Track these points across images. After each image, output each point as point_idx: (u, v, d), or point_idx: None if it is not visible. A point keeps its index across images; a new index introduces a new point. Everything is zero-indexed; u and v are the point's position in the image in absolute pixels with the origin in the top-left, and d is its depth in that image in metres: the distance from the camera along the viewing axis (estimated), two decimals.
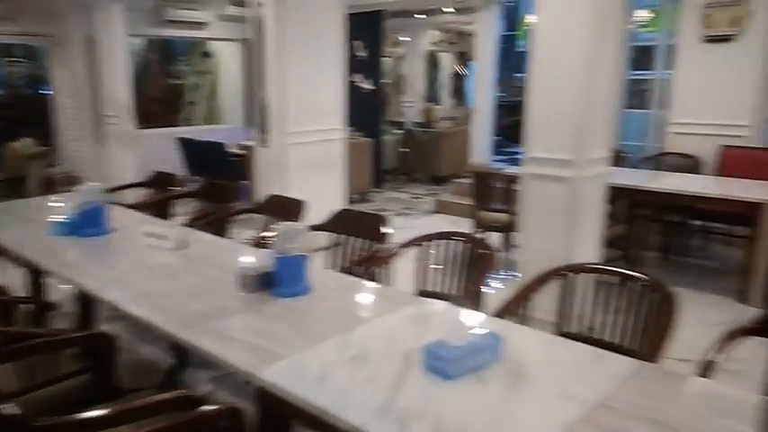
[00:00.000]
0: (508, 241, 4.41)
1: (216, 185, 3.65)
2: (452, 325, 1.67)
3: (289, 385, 1.38)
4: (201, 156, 6.53)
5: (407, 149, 8.64)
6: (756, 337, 1.76)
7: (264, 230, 2.93)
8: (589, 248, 3.22)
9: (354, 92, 7.22)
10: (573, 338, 1.93)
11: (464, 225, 4.39)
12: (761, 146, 4.90)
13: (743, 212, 3.80)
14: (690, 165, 5.02)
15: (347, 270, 2.53)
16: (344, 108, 4.78)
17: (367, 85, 7.63)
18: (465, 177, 6.33)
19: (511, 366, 1.48)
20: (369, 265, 2.45)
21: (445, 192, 7.02)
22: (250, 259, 1.97)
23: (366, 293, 2.05)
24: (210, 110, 9.26)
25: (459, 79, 11.01)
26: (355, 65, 7.34)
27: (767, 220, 3.66)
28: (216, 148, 6.27)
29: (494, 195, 4.37)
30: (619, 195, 4.28)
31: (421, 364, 1.46)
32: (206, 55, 9.11)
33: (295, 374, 1.44)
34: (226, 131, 7.79)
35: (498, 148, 8.26)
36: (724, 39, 4.90)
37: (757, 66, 4.82)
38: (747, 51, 4.82)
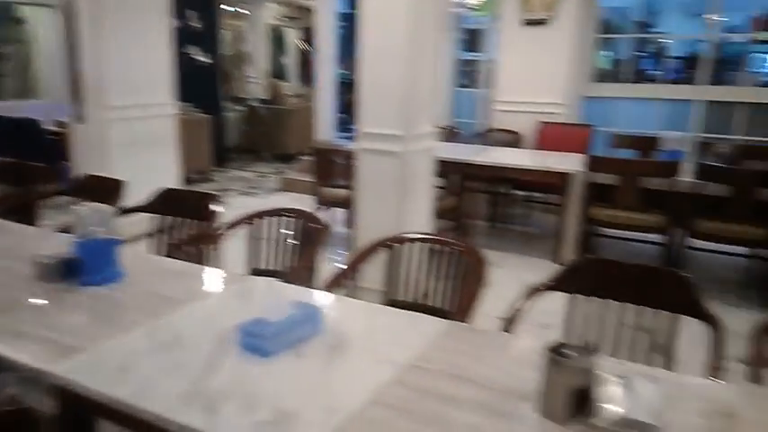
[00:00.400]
0: (351, 217, 4.47)
1: (20, 166, 3.24)
2: (273, 302, 1.64)
3: (86, 380, 1.27)
4: (11, 134, 5.77)
5: (252, 127, 8.39)
6: (558, 292, 1.94)
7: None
8: (421, 220, 3.36)
9: (190, 65, 6.83)
10: (400, 306, 2.00)
11: (308, 202, 4.37)
12: (572, 122, 5.45)
13: (556, 182, 4.21)
14: (513, 140, 5.44)
15: (171, 253, 2.39)
16: (175, 81, 4.49)
17: (204, 59, 7.25)
18: (310, 155, 6.30)
19: (331, 338, 1.49)
20: (195, 246, 2.33)
21: (291, 169, 6.94)
22: (51, 246, 1.77)
23: (186, 276, 1.94)
24: (24, 83, 8.21)
25: (305, 55, 10.87)
26: (190, 36, 6.93)
27: (575, 188, 4.09)
28: (28, 126, 5.58)
29: (335, 171, 4.39)
30: (451, 169, 4.52)
31: (237, 343, 1.41)
32: (17, 21, 8.03)
33: (94, 368, 1.32)
34: (42, 107, 6.96)
35: (344, 125, 8.32)
36: (540, 22, 5.34)
37: (567, 48, 5.33)
38: (559, 34, 5.30)
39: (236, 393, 1.23)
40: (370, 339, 1.53)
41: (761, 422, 1.19)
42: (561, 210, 4.22)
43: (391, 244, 2.15)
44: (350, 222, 4.49)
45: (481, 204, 5.17)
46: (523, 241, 4.88)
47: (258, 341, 1.37)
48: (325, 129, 6.80)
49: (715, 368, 1.55)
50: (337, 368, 1.37)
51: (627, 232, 4.06)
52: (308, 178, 5.61)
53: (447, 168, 4.45)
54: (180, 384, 1.25)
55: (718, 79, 5.60)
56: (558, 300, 1.87)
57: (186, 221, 2.54)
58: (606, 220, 3.94)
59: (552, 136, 5.22)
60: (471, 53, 6.99)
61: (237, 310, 1.65)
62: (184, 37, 6.75)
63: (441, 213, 4.16)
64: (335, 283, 2.01)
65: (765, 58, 7.45)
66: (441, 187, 4.62)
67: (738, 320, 2.97)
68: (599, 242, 4.36)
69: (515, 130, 5.49)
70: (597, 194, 3.98)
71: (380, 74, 3.02)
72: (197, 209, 2.49)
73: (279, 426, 1.13)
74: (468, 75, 6.99)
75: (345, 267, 2.04)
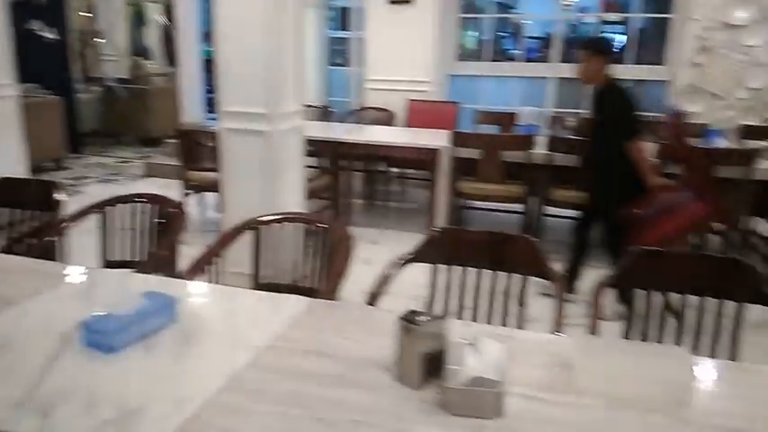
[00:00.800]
0: (221, 200, 4.31)
1: None
2: (123, 294, 1.54)
3: None
4: None
5: (110, 109, 7.79)
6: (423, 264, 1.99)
7: None
8: (293, 200, 3.31)
9: (34, 42, 6.19)
10: (269, 288, 1.97)
11: (176, 187, 4.17)
12: (440, 99, 5.62)
13: (426, 158, 4.33)
14: (385, 118, 5.52)
15: (10, 248, 2.17)
16: (15, 60, 4.03)
17: (50, 35, 6.59)
18: (175, 137, 5.98)
19: (186, 327, 1.42)
20: (37, 239, 2.13)
21: (157, 154, 6.55)
22: None
23: (25, 273, 1.76)
24: None
25: (169, 32, 10.21)
26: (32, 10, 6.27)
27: (443, 164, 4.24)
28: None
29: (202, 154, 4.21)
30: (325, 148, 4.50)
31: (79, 341, 1.31)
32: None
33: None
34: None
35: (213, 106, 7.95)
36: (405, 0, 5.41)
37: (432, 27, 5.46)
38: (424, 13, 5.42)
39: (77, 394, 1.14)
40: (228, 325, 1.48)
41: (595, 370, 1.30)
42: (432, 185, 4.36)
43: (256, 226, 2.10)
44: (221, 206, 4.34)
45: (357, 183, 5.20)
46: (399, 217, 4.99)
47: (101, 337, 1.28)
48: (191, 109, 6.48)
49: (559, 323, 1.67)
50: (191, 357, 1.31)
51: (492, 203, 4.28)
52: (176, 162, 5.34)
53: (321, 148, 4.43)
54: (10, 390, 1.14)
55: (570, 58, 6.03)
56: (436, 272, 1.91)
57: (27, 213, 2.31)
58: (472, 192, 4.13)
59: (421, 113, 5.36)
60: (343, 31, 6.96)
61: (83, 306, 1.53)
62: (26, 11, 6.09)
63: (315, 193, 4.14)
64: (197, 270, 1.92)
65: (613, 38, 8.10)
66: (315, 167, 4.59)
67: (584, 279, 3.26)
68: (468, 214, 4.57)
69: (387, 108, 5.57)
70: (463, 169, 4.15)
71: (240, 49, 2.91)
72: (38, 199, 2.26)
73: (122, 424, 1.06)
74: (340, 53, 6.96)
75: (206, 252, 1.96)
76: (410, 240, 1.94)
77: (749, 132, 4.59)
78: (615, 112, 3.14)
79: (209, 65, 6.80)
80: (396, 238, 4.22)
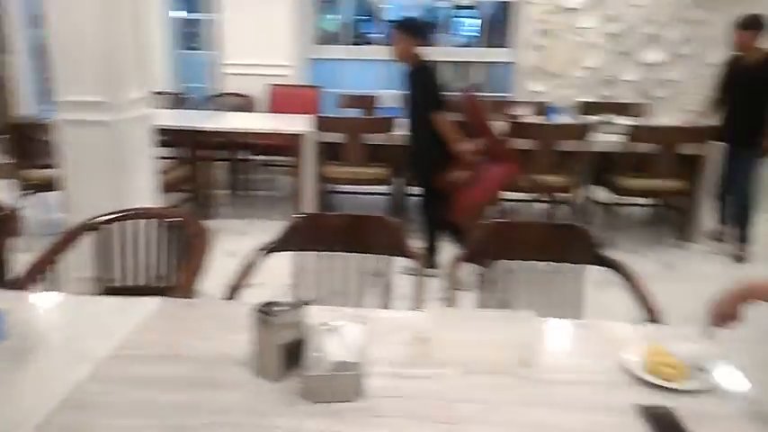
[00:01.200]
0: (64, 200, 3.94)
1: None
2: None
3: None
4: None
5: None
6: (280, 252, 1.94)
7: None
8: (145, 195, 3.09)
9: None
10: (119, 291, 1.82)
11: (10, 188, 3.74)
12: (301, 84, 5.54)
13: (290, 144, 4.25)
14: (245, 104, 5.33)
15: None
16: None
17: None
18: (5, 132, 5.34)
19: (18, 343, 1.28)
20: None
21: None
22: None
23: None
24: None
25: None
26: None
27: (307, 149, 4.19)
28: None
29: (39, 150, 3.80)
30: (180, 138, 4.27)
31: None
32: None
33: None
34: None
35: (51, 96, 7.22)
36: None
37: (290, 9, 5.35)
38: None
39: None
40: (68, 336, 1.34)
41: (450, 341, 1.35)
42: (297, 171, 4.29)
43: (96, 226, 1.93)
44: (65, 206, 3.96)
45: (220, 173, 5.00)
46: (267, 206, 4.87)
47: None
48: (24, 101, 5.83)
49: (419, 299, 1.72)
50: (23, 377, 1.17)
51: (359, 186, 4.32)
52: (7, 160, 4.78)
53: (176, 137, 4.19)
54: None
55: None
56: (301, 259, 1.87)
57: None
58: (338, 176, 4.13)
59: (283, 98, 5.24)
60: (194, 13, 6.58)
61: None
62: None
63: (172, 185, 3.92)
64: (31, 278, 1.73)
65: (464, 22, 8.44)
66: (171, 158, 4.33)
67: (446, 253, 3.39)
68: (336, 199, 4.57)
69: (246, 94, 5.38)
70: (328, 153, 4.14)
71: (73, 32, 2.64)
72: None
73: None
74: (191, 36, 6.59)
75: (39, 259, 1.76)
76: (279, 229, 1.89)
77: (588, 108, 5.02)
78: (423, 88, 3.34)
79: (42, 51, 6.14)
80: (264, 228, 4.06)
